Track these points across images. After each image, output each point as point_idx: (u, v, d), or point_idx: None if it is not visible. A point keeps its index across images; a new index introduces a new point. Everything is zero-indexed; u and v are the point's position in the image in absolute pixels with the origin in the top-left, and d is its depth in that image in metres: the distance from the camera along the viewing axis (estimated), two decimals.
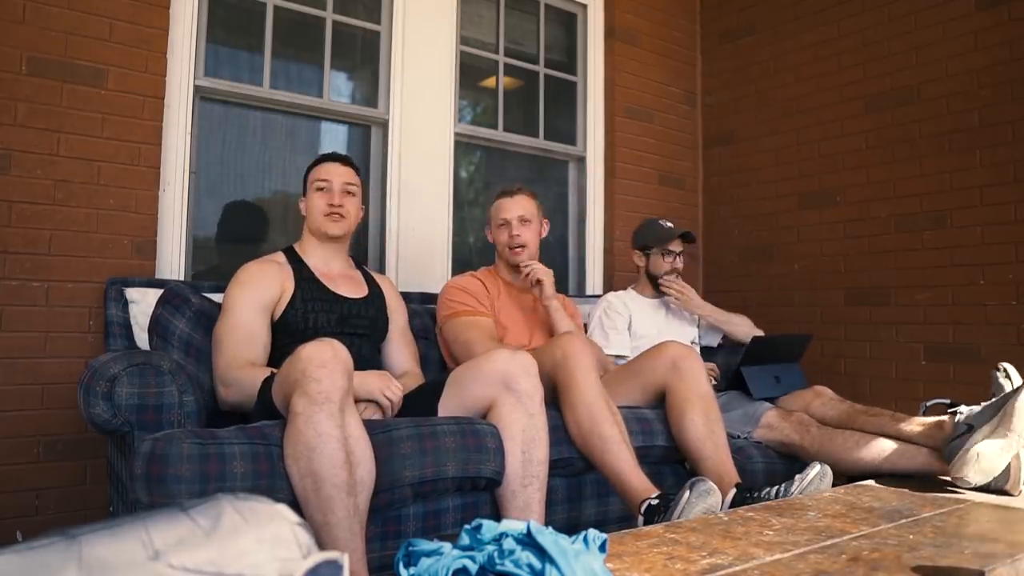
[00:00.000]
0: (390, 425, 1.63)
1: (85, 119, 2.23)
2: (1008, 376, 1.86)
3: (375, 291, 2.13)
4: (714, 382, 2.35)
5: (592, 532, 1.03)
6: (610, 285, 3.36)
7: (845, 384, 2.81)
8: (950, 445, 1.81)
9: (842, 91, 3.20)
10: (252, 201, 2.78)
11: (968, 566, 1.13)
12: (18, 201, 2.12)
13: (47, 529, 0.63)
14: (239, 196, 2.74)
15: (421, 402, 1.84)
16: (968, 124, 2.79)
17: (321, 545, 1.31)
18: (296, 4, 2.78)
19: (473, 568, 0.96)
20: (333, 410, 1.41)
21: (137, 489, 1.39)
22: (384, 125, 2.94)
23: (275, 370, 1.74)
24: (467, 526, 1.04)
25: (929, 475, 1.90)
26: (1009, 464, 1.73)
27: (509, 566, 0.93)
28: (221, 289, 2.08)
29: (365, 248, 2.88)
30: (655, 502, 1.64)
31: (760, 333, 2.65)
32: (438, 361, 2.38)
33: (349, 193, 2.08)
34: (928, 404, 2.09)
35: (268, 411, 1.62)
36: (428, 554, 1.00)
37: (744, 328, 2.70)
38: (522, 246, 2.35)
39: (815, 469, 1.75)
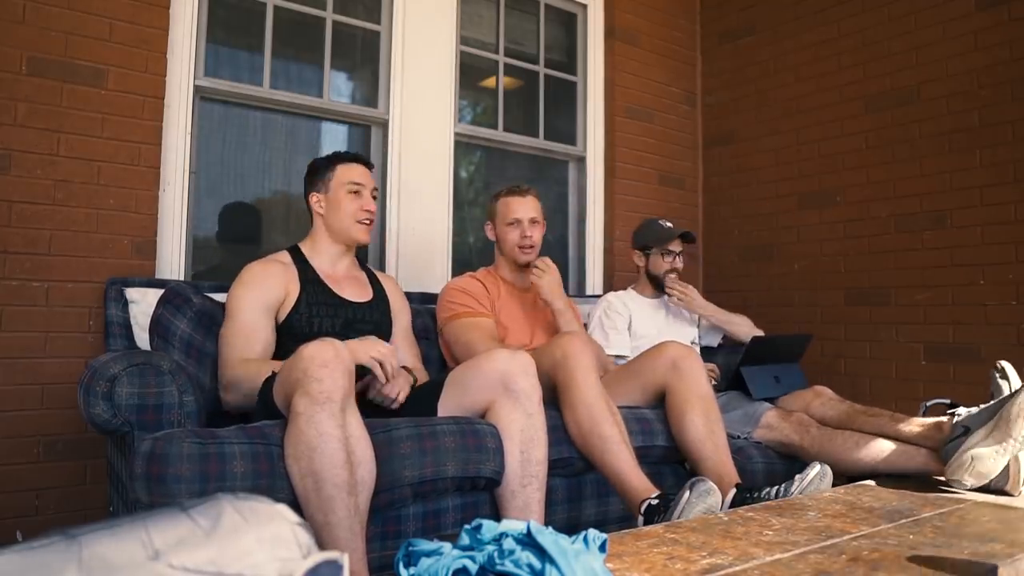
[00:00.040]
0: (390, 425, 1.63)
1: (85, 119, 2.23)
2: (1006, 376, 1.86)
3: (379, 293, 2.12)
4: (714, 382, 2.35)
5: (592, 532, 1.03)
6: (610, 285, 3.36)
7: (845, 384, 2.81)
8: (947, 447, 1.82)
9: (842, 91, 3.20)
10: (252, 201, 2.78)
11: (968, 566, 1.13)
12: (18, 201, 2.12)
13: (47, 529, 0.63)
14: (239, 196, 2.74)
15: (421, 402, 1.84)
16: (968, 124, 2.79)
17: (321, 545, 1.31)
18: (296, 4, 2.78)
19: (473, 568, 0.96)
20: (334, 410, 1.41)
21: (137, 489, 1.39)
22: (384, 125, 2.94)
23: (274, 363, 1.75)
24: (467, 526, 1.04)
25: (927, 476, 1.90)
26: (1008, 465, 1.73)
27: (509, 566, 0.94)
28: (222, 289, 2.09)
29: (366, 248, 2.88)
30: (655, 502, 1.64)
31: (760, 333, 2.65)
32: (438, 361, 2.39)
33: (375, 199, 2.07)
34: (928, 404, 2.09)
35: (269, 411, 1.62)
36: (428, 554, 1.00)
37: (745, 328, 2.71)
38: (532, 246, 2.36)
39: (815, 469, 1.75)
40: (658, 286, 2.72)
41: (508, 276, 2.44)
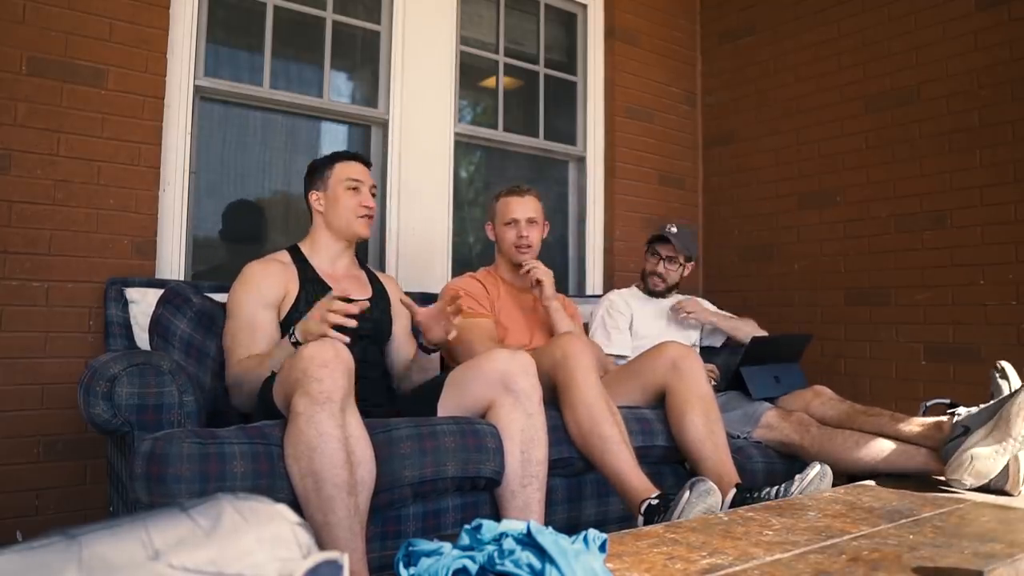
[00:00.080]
0: (390, 425, 1.63)
1: (85, 119, 2.23)
2: (1006, 376, 1.86)
3: (379, 291, 2.11)
4: (713, 383, 2.36)
5: (592, 532, 1.03)
6: (610, 285, 3.36)
7: (845, 384, 2.81)
8: (947, 446, 1.82)
9: (842, 91, 3.20)
10: (252, 201, 2.78)
11: (968, 566, 1.13)
12: (18, 201, 2.12)
13: (47, 529, 0.63)
14: (239, 196, 2.74)
15: (421, 402, 1.84)
16: (968, 124, 2.79)
17: (321, 545, 1.31)
18: (296, 4, 2.78)
19: (473, 568, 0.96)
20: (334, 410, 1.41)
21: (137, 489, 1.39)
22: (384, 125, 2.94)
23: (269, 352, 1.74)
24: (467, 526, 1.04)
25: (927, 475, 1.90)
26: (1007, 465, 1.73)
27: (509, 566, 0.93)
28: (222, 289, 2.08)
29: (365, 248, 2.88)
30: (655, 502, 1.64)
31: (764, 334, 2.65)
32: (438, 361, 2.38)
33: (374, 195, 2.08)
34: (928, 404, 2.09)
35: (268, 411, 1.62)
36: (428, 554, 1.00)
37: (748, 330, 2.70)
38: (529, 247, 2.36)
39: (815, 469, 1.75)
40: (648, 286, 2.72)
41: (508, 276, 2.44)
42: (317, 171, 2.07)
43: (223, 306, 1.98)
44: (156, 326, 1.96)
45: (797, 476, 1.74)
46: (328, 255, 2.05)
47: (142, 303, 2.09)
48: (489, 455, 1.66)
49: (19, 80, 2.13)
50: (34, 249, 2.14)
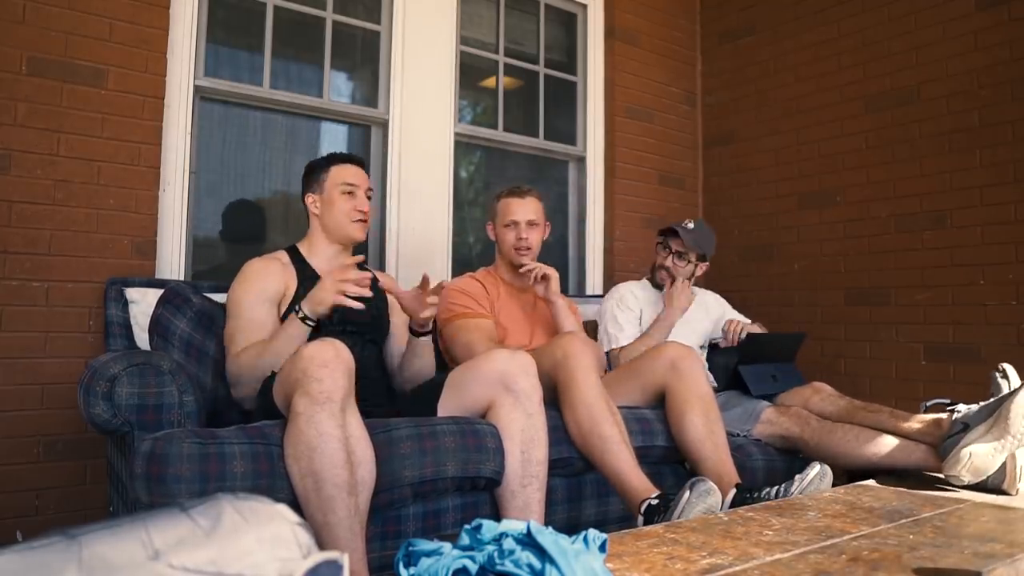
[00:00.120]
0: (390, 425, 1.63)
1: (85, 119, 2.23)
2: (1006, 376, 1.87)
3: (377, 291, 2.10)
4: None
5: (592, 532, 1.03)
6: (610, 285, 3.35)
7: (845, 384, 2.80)
8: (945, 443, 1.82)
9: (842, 91, 3.20)
10: (252, 201, 2.78)
11: (968, 566, 1.13)
12: (18, 201, 2.12)
13: (47, 529, 0.63)
14: (239, 196, 2.74)
15: (420, 403, 1.84)
16: (968, 124, 2.79)
17: (321, 545, 1.31)
18: (296, 4, 2.78)
19: (473, 568, 0.96)
20: (334, 410, 1.41)
21: (137, 488, 1.39)
22: (384, 125, 2.94)
23: (265, 342, 1.74)
24: (467, 526, 1.04)
25: (925, 471, 1.91)
26: (1005, 462, 1.74)
27: (509, 566, 0.93)
28: (222, 289, 2.08)
29: (366, 248, 2.88)
30: (655, 502, 1.64)
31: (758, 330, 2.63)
32: (438, 360, 2.38)
33: (369, 198, 2.08)
34: (928, 404, 2.09)
35: (269, 411, 1.62)
36: (428, 554, 1.00)
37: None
38: (528, 248, 2.36)
39: (815, 469, 1.75)
40: (656, 279, 2.68)
41: (508, 276, 2.44)
42: (313, 173, 2.08)
43: (223, 306, 1.98)
44: (156, 326, 1.96)
45: (797, 476, 1.74)
46: (325, 256, 2.05)
47: (142, 303, 2.09)
48: (489, 455, 1.66)
49: (19, 80, 2.13)
50: (34, 249, 2.14)
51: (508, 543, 0.97)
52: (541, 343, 2.25)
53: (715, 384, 2.54)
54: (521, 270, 2.34)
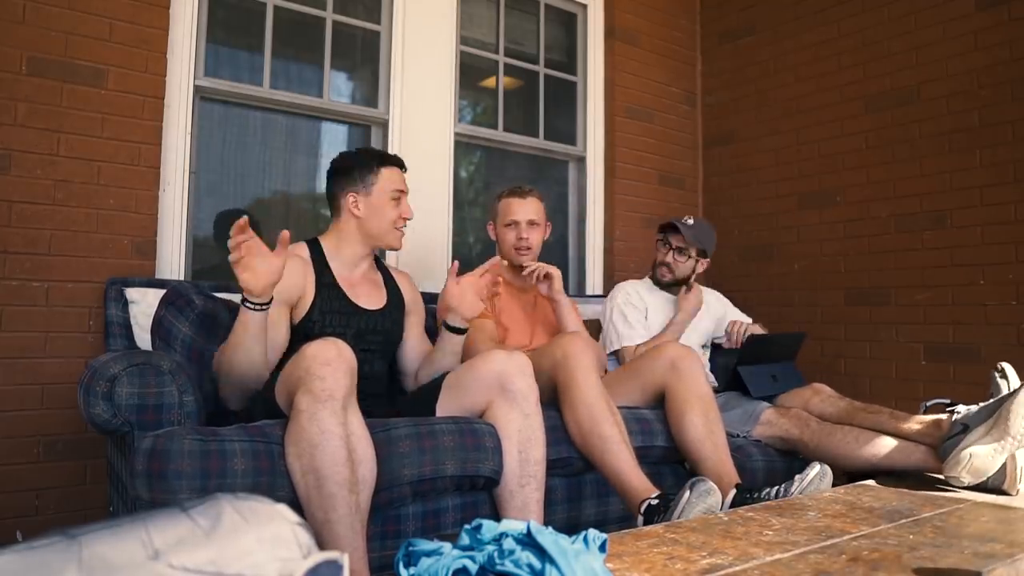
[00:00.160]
0: (389, 424, 1.63)
1: (85, 119, 2.23)
2: (1006, 377, 1.87)
3: (393, 299, 2.04)
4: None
5: (592, 532, 1.03)
6: (610, 285, 3.35)
7: (845, 384, 2.80)
8: (945, 444, 1.82)
9: (842, 91, 3.20)
10: (252, 201, 2.78)
11: (968, 566, 1.13)
12: (18, 201, 2.12)
13: (47, 529, 0.63)
14: (239, 196, 2.74)
15: (419, 404, 1.84)
16: (968, 124, 2.79)
17: (322, 543, 1.31)
18: (296, 4, 2.78)
19: (473, 568, 0.96)
20: (336, 408, 1.41)
21: (138, 485, 1.39)
22: (384, 125, 2.94)
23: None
24: (467, 526, 1.04)
25: (925, 472, 1.91)
26: (1005, 463, 1.73)
27: (509, 566, 0.93)
28: (223, 289, 2.08)
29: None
30: (655, 502, 1.64)
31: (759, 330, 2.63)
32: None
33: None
34: (928, 404, 2.09)
35: (269, 410, 1.62)
36: (428, 554, 1.00)
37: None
38: (528, 249, 2.36)
39: (815, 469, 1.75)
40: (656, 275, 2.67)
41: (508, 276, 2.44)
42: (356, 170, 1.94)
43: (226, 303, 1.97)
44: (159, 328, 1.94)
45: (797, 476, 1.74)
46: (351, 258, 1.97)
47: (142, 303, 2.09)
48: (487, 454, 1.66)
49: (19, 80, 2.13)
50: (34, 249, 2.14)
51: (508, 543, 0.97)
52: (542, 343, 2.25)
53: (715, 384, 2.54)
54: (523, 272, 2.34)
